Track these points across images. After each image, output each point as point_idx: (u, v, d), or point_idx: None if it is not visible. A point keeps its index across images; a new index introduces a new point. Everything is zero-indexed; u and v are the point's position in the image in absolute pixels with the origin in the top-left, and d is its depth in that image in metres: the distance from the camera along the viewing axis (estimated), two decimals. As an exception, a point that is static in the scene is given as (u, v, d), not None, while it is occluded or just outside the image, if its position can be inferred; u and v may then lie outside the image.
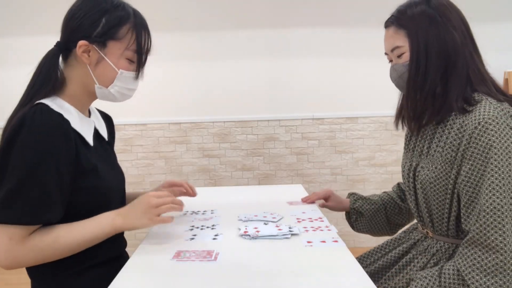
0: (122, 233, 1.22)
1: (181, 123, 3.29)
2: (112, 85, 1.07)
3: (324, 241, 1.12)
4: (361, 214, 1.50)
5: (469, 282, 0.94)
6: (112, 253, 1.13)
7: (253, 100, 3.29)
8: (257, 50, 3.27)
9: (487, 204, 0.94)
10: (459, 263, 0.98)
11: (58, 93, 1.06)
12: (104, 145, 1.20)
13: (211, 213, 1.44)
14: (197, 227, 1.27)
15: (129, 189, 1.29)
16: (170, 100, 3.28)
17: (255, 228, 1.20)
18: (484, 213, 0.94)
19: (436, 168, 1.08)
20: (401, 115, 1.23)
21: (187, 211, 1.46)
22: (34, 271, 1.06)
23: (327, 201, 1.57)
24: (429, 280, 1.02)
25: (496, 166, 0.94)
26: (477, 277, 0.93)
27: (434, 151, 1.10)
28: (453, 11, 1.10)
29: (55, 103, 1.02)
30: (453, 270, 0.99)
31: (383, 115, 3.29)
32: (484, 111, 0.99)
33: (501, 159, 0.94)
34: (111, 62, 1.05)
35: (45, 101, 1.00)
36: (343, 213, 1.58)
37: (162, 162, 3.31)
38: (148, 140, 3.30)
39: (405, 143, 1.29)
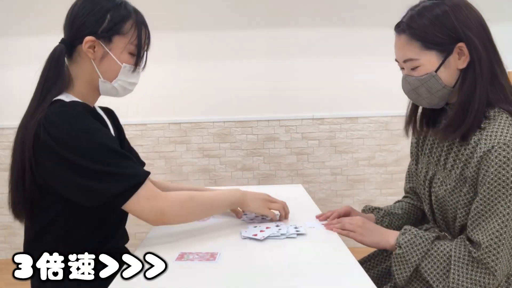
0: (124, 226, 1.25)
1: (181, 123, 3.29)
2: (116, 79, 1.11)
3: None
4: None
5: (452, 271, 0.99)
6: (113, 245, 1.14)
7: (253, 100, 3.29)
8: (257, 50, 3.27)
9: (489, 229, 0.96)
10: (455, 253, 1.00)
11: (67, 90, 1.09)
12: None
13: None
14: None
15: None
16: (170, 100, 3.28)
17: (262, 231, 1.18)
18: (485, 237, 0.97)
19: (450, 184, 1.07)
20: (411, 121, 1.20)
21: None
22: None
23: None
24: (423, 239, 1.05)
25: (504, 194, 0.95)
26: (461, 276, 0.98)
27: (451, 166, 1.08)
28: (470, 14, 1.02)
29: (69, 99, 1.06)
30: (447, 251, 1.02)
31: (383, 115, 3.29)
32: (500, 134, 0.96)
33: (510, 187, 0.94)
34: (114, 56, 1.09)
35: (61, 97, 1.04)
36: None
37: (162, 162, 3.31)
38: (148, 140, 3.30)
39: (416, 146, 1.26)
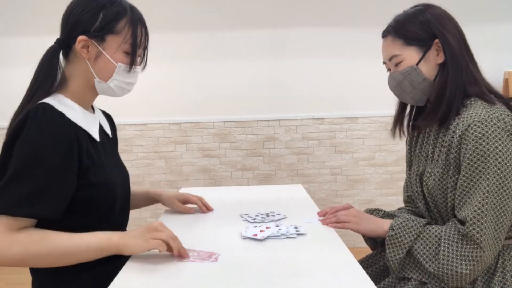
0: (125, 229, 1.23)
1: (181, 123, 3.29)
2: (111, 79, 1.09)
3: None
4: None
5: (442, 249, 1.04)
6: None
7: (253, 100, 3.29)
8: (257, 50, 3.27)
9: (473, 204, 1.03)
10: (445, 233, 1.06)
11: (61, 90, 1.08)
12: (109, 142, 1.22)
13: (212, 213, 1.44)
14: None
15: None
16: (170, 100, 3.28)
17: (262, 231, 1.18)
18: (470, 211, 1.03)
19: (438, 172, 1.13)
20: (398, 123, 1.29)
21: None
22: (36, 269, 1.06)
23: None
24: (415, 222, 1.12)
25: (483, 168, 1.02)
26: (451, 253, 1.04)
27: (438, 155, 1.14)
28: (447, 20, 1.15)
29: (58, 101, 1.03)
30: (438, 232, 1.08)
31: (383, 115, 3.29)
32: (475, 114, 1.05)
33: (488, 161, 1.01)
34: (108, 56, 1.06)
35: (48, 100, 1.02)
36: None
37: (162, 162, 3.31)
38: (148, 140, 3.30)
39: (409, 153, 1.31)
